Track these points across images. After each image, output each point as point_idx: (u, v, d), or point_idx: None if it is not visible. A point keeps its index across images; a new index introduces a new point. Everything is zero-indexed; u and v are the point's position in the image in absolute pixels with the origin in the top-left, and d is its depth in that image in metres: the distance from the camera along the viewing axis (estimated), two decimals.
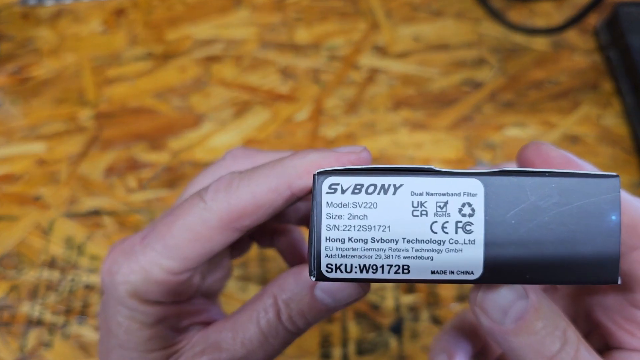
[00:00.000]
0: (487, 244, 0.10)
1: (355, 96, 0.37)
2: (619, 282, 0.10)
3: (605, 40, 0.37)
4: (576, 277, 0.10)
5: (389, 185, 0.10)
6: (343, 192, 0.10)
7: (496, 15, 0.39)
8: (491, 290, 0.12)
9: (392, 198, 0.10)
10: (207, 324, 0.14)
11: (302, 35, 0.40)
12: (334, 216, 0.10)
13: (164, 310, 0.14)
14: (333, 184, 0.10)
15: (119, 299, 0.13)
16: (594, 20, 0.39)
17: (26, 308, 0.29)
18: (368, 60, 0.38)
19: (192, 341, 0.14)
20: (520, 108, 0.35)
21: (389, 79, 0.37)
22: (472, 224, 0.10)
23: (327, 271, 0.10)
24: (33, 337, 0.28)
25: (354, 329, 0.28)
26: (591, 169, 0.13)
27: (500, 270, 0.10)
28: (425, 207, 0.10)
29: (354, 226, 0.10)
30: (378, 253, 0.10)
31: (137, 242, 0.14)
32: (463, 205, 0.10)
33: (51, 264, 0.30)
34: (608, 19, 0.37)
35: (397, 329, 0.28)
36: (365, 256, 0.10)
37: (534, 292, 0.12)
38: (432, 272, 0.10)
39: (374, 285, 0.29)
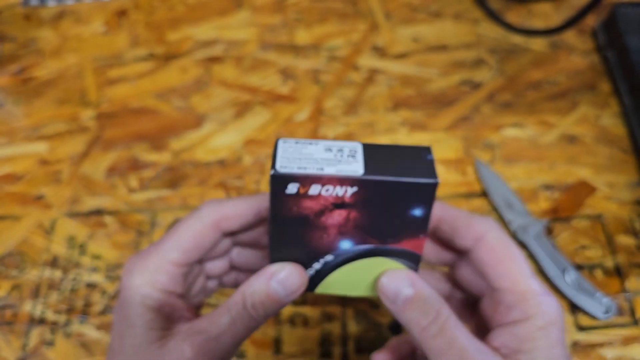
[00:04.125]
0: (365, 162, 0.16)
1: (355, 96, 0.37)
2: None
3: (603, 41, 0.37)
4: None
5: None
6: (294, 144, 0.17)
7: (494, 17, 0.39)
8: (388, 283, 0.17)
9: (316, 147, 0.17)
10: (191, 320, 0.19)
11: (302, 36, 0.40)
12: (287, 152, 0.17)
13: (166, 298, 0.18)
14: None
15: (134, 289, 0.17)
16: (592, 21, 0.39)
17: (28, 307, 0.29)
18: (367, 60, 0.39)
19: (181, 329, 0.18)
20: (518, 108, 0.36)
21: (389, 79, 0.38)
22: (356, 155, 0.17)
23: (281, 167, 0.16)
24: (35, 335, 0.28)
25: (353, 328, 0.28)
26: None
27: (374, 169, 0.16)
28: (330, 148, 0.17)
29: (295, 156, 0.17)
30: (309, 164, 0.16)
31: (152, 246, 0.18)
32: (350, 150, 0.17)
33: (53, 263, 0.30)
34: (606, 20, 0.37)
35: (396, 327, 0.28)
36: (301, 165, 0.16)
37: (418, 281, 0.17)
38: (337, 170, 0.16)
39: None
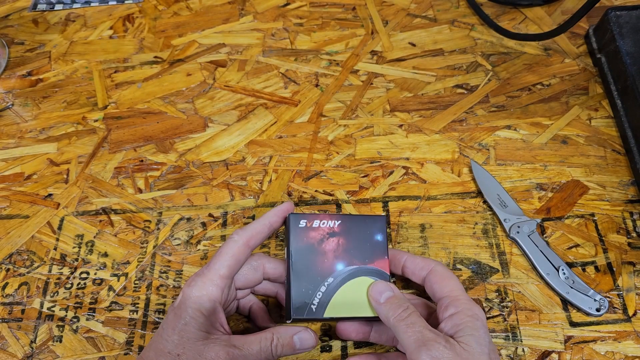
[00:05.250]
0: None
1: (354, 99, 0.38)
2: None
3: (595, 44, 0.38)
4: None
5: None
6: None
7: (489, 22, 0.40)
8: (376, 288, 0.25)
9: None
10: (228, 334, 0.25)
11: (303, 41, 0.41)
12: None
13: (214, 308, 0.24)
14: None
15: (192, 298, 0.23)
16: (585, 24, 0.40)
17: (36, 304, 0.30)
18: (366, 65, 0.40)
19: (222, 337, 0.24)
20: (512, 110, 0.37)
21: (386, 83, 0.39)
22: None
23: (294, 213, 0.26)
24: (43, 332, 0.29)
25: None
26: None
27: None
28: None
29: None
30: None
31: (204, 268, 0.25)
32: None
33: (61, 260, 0.31)
34: (598, 24, 0.38)
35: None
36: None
37: (395, 287, 0.25)
38: None
39: None
